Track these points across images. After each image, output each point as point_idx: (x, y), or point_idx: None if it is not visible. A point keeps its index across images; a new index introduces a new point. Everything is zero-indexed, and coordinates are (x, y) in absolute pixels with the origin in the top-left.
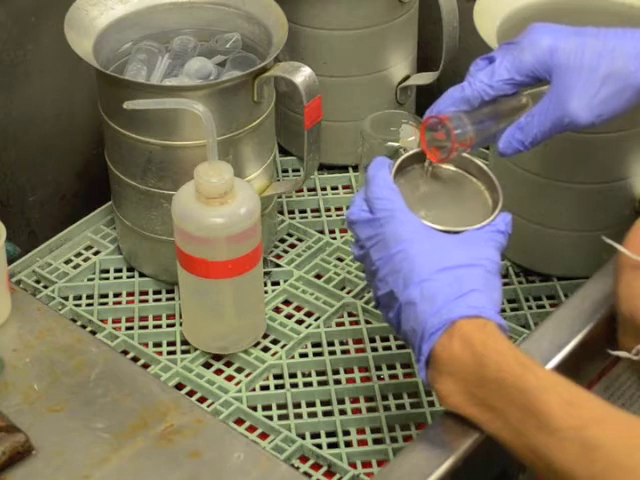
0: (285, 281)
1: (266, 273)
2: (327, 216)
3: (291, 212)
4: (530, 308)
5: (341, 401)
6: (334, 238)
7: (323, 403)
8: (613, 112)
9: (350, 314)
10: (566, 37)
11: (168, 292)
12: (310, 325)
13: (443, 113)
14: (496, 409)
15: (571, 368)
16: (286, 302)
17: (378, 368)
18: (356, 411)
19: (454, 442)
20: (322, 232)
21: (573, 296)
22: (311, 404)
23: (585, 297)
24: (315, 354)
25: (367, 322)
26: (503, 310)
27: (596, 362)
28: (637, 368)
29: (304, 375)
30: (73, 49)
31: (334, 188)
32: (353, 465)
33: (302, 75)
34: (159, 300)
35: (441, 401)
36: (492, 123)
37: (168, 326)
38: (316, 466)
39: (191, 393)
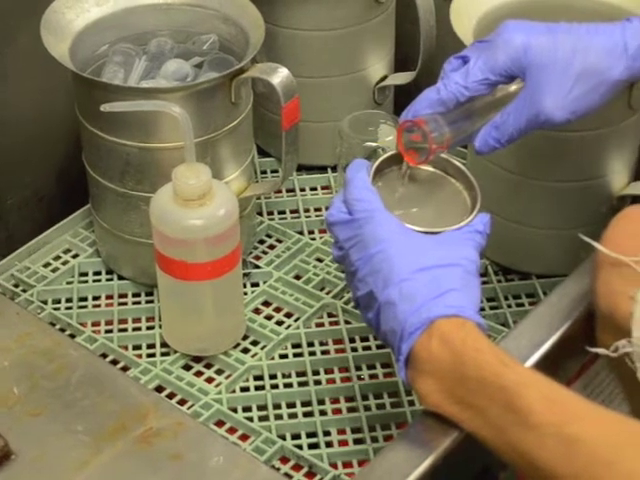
0: (264, 282)
1: (245, 274)
2: (306, 217)
3: (270, 213)
4: (509, 306)
5: (321, 401)
6: (313, 239)
7: (303, 404)
8: (587, 109)
9: (330, 314)
10: (539, 34)
11: (147, 294)
12: (290, 326)
13: (419, 115)
14: (476, 407)
15: (550, 366)
16: (266, 303)
17: (358, 368)
18: (336, 411)
19: (434, 441)
20: (301, 233)
21: (551, 294)
22: (291, 405)
23: (563, 295)
24: (295, 355)
25: (347, 322)
26: (482, 309)
27: (575, 359)
28: (615, 365)
29: (284, 376)
30: (50, 52)
31: (313, 189)
32: (334, 465)
33: (279, 76)
34: (138, 303)
35: (421, 400)
36: (468, 122)
37: (147, 328)
38: (297, 467)
39: (171, 395)
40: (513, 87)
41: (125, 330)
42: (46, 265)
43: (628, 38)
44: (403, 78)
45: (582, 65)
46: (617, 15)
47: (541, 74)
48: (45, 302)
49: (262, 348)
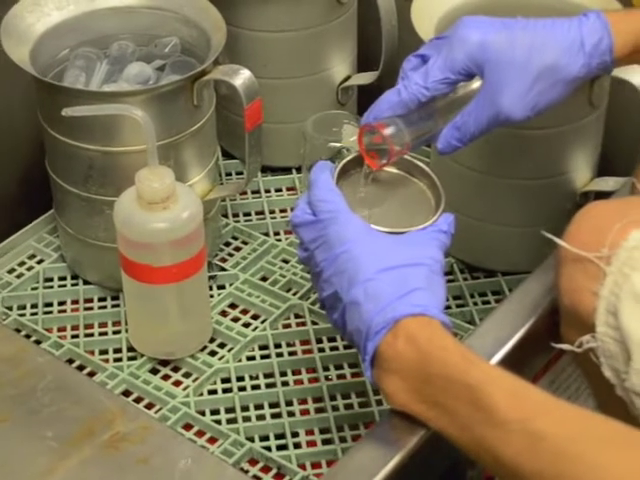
0: (231, 284)
1: (212, 277)
2: (272, 218)
3: (235, 215)
4: (475, 304)
5: (289, 403)
6: (279, 240)
7: (271, 405)
8: (547, 105)
9: (297, 315)
10: (495, 31)
11: (113, 299)
12: (257, 328)
13: (380, 118)
14: (442, 405)
15: (516, 362)
16: (232, 305)
17: (326, 369)
18: (304, 412)
19: (401, 440)
20: (267, 234)
21: (515, 291)
22: (259, 407)
23: (527, 292)
24: (262, 357)
25: (314, 323)
26: (449, 307)
27: (540, 356)
28: (580, 361)
29: (252, 378)
30: (10, 56)
31: (278, 190)
32: (302, 466)
33: (241, 78)
34: (104, 307)
35: (387, 399)
36: (431, 122)
37: (114, 333)
38: (266, 468)
39: (138, 400)
40: (474, 85)
41: (91, 335)
42: (11, 271)
43: (585, 35)
44: (366, 78)
45: (540, 63)
46: (576, 12)
47: (499, 73)
48: (10, 308)
49: (229, 350)
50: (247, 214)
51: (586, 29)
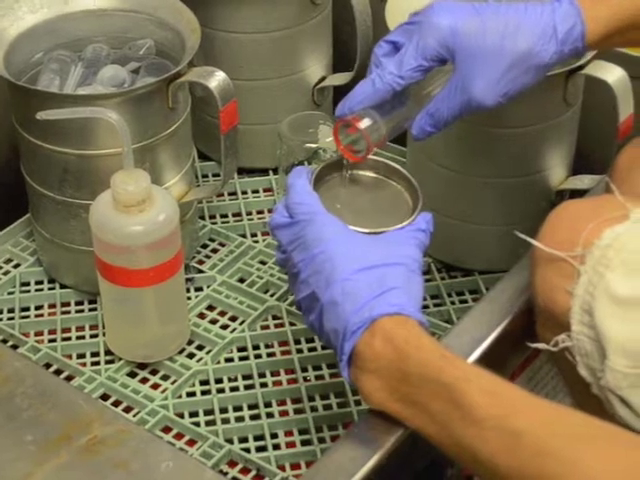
0: (208, 286)
1: (189, 279)
2: (249, 220)
3: (212, 217)
4: (453, 303)
5: (268, 404)
6: (256, 241)
7: (250, 407)
8: (518, 91)
9: (274, 317)
10: (466, 17)
11: (90, 302)
12: (235, 329)
13: (354, 110)
14: (420, 404)
15: (493, 361)
16: (210, 307)
17: (304, 369)
18: (283, 413)
19: (379, 440)
20: (244, 236)
21: (491, 290)
22: (238, 408)
23: (503, 291)
24: (241, 358)
25: (292, 324)
26: (426, 306)
27: (518, 353)
28: (557, 359)
29: (230, 380)
30: None
31: (255, 191)
32: (282, 467)
33: (216, 80)
34: (81, 311)
35: (365, 399)
36: (405, 110)
37: (91, 337)
38: (245, 470)
39: (117, 403)
40: (447, 69)
41: (69, 339)
42: None
43: (557, 21)
44: (341, 79)
45: (512, 50)
46: None
47: (470, 60)
48: None
49: (207, 352)
50: (224, 216)
51: (559, 15)
